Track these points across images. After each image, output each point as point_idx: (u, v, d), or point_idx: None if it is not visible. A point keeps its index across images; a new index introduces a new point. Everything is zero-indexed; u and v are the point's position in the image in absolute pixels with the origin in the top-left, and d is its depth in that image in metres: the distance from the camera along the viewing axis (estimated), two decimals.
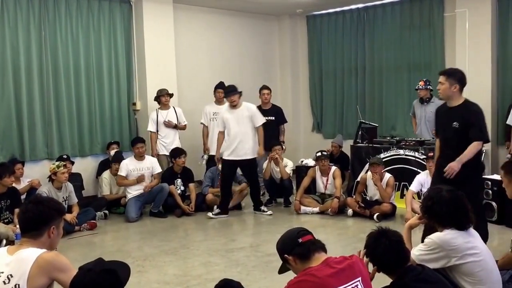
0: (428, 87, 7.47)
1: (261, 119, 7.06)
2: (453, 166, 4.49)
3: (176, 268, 5.01)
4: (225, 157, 7.02)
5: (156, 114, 7.79)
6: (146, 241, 6.05)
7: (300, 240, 2.52)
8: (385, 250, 2.67)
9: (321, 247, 2.54)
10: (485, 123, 4.62)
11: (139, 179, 7.12)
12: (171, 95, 7.85)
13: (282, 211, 7.46)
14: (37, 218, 2.59)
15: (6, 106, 7.07)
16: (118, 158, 7.52)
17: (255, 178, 7.28)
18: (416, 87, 7.63)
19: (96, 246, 6.03)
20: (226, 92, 7.01)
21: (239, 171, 7.96)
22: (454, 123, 4.54)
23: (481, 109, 4.63)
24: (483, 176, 6.64)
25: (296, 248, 2.51)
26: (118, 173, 7.20)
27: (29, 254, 2.51)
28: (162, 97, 7.77)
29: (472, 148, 4.49)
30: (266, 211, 7.20)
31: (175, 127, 7.85)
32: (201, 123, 8.14)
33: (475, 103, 4.64)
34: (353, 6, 9.67)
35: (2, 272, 2.48)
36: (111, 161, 7.60)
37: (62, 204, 2.97)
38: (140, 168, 7.23)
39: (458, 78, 4.54)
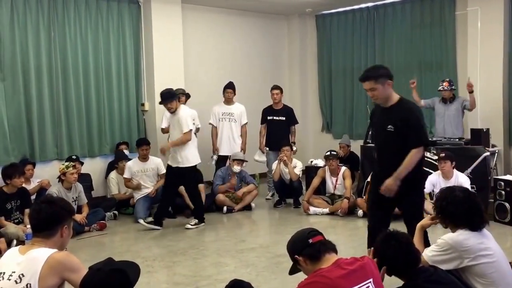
0: (452, 87, 7.35)
1: (186, 126, 6.35)
2: (389, 185, 3.85)
3: (186, 269, 5.00)
4: (168, 162, 6.64)
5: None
6: (155, 241, 6.05)
7: (310, 241, 2.50)
8: (395, 252, 2.66)
9: (331, 248, 2.51)
10: (423, 124, 3.95)
11: (137, 187, 7.13)
12: (187, 95, 7.85)
13: (292, 212, 7.43)
14: (50, 218, 2.61)
15: (16, 107, 7.09)
16: (121, 156, 7.55)
17: (190, 191, 6.79)
18: (440, 88, 7.38)
19: (105, 246, 6.04)
20: (163, 100, 6.38)
21: (248, 171, 7.98)
22: (389, 126, 3.91)
23: (418, 108, 4.06)
24: (497, 177, 6.60)
25: (307, 248, 2.49)
26: (124, 176, 7.21)
27: (40, 254, 2.52)
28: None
29: (410, 158, 3.80)
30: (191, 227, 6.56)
31: None
32: (210, 124, 8.13)
33: (411, 101, 4.11)
34: (363, 5, 9.61)
35: (14, 272, 2.50)
36: (114, 161, 7.61)
37: (72, 204, 3.01)
38: (145, 169, 7.23)
39: (385, 73, 3.99)
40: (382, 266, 2.67)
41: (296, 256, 2.54)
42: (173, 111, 6.42)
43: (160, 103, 6.47)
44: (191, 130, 6.43)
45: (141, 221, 6.58)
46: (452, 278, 2.76)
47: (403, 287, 2.64)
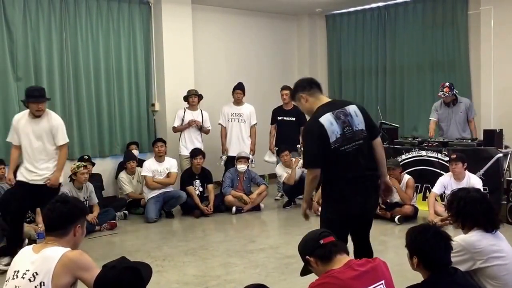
0: (454, 91, 7.10)
1: (62, 139, 5.23)
2: (302, 209, 3.80)
3: (196, 269, 5.00)
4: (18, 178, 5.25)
5: (183, 112, 7.82)
6: (165, 241, 6.06)
7: (321, 242, 2.49)
8: (434, 246, 2.60)
9: (343, 249, 2.49)
10: (309, 143, 3.53)
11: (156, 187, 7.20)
12: (199, 97, 7.86)
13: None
14: (64, 217, 2.64)
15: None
16: (130, 156, 7.59)
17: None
18: (441, 95, 7.14)
19: (116, 246, 6.06)
20: (34, 97, 5.12)
21: (257, 171, 7.98)
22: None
23: (309, 127, 3.56)
24: (509, 178, 6.50)
25: (318, 249, 2.48)
26: (145, 174, 7.25)
27: (54, 253, 2.54)
28: (190, 97, 7.80)
29: (307, 182, 3.55)
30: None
31: (200, 128, 7.85)
32: (219, 124, 8.13)
33: (308, 119, 3.62)
34: (373, 5, 9.57)
35: (28, 270, 2.51)
36: (124, 161, 7.64)
37: (85, 204, 3.04)
38: (161, 170, 7.28)
39: (302, 86, 3.69)
40: (413, 256, 2.63)
41: (307, 256, 2.52)
42: (40, 115, 5.16)
43: (26, 105, 5.23)
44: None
45: None
46: (471, 282, 2.73)
47: (424, 284, 2.61)
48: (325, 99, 3.66)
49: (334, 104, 3.60)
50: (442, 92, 7.15)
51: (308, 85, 3.66)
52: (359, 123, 3.51)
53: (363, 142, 3.51)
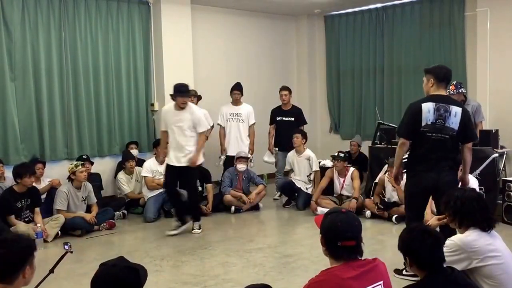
0: (460, 90, 6.75)
1: (203, 127, 6.27)
2: (393, 173, 4.70)
3: (194, 268, 5.02)
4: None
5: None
6: (164, 240, 6.08)
7: (339, 244, 2.37)
8: (425, 246, 2.59)
9: (358, 254, 2.42)
10: (406, 117, 4.39)
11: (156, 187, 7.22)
12: (198, 97, 7.88)
13: (300, 213, 7.43)
14: (10, 264, 2.36)
15: (27, 107, 7.16)
16: (128, 156, 7.59)
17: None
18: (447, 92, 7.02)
19: (114, 245, 6.08)
20: (177, 93, 6.10)
21: (256, 171, 7.99)
22: None
23: (413, 106, 4.40)
24: (505, 178, 6.55)
25: (332, 247, 2.39)
26: (145, 175, 7.26)
27: None
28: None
29: (398, 147, 4.53)
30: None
31: None
32: (218, 124, 8.15)
33: (418, 99, 4.47)
34: (371, 6, 9.60)
35: None
36: (123, 161, 7.65)
37: (30, 238, 2.76)
38: (161, 171, 7.28)
39: (438, 74, 4.36)
40: (406, 257, 2.65)
41: (322, 235, 2.43)
42: (184, 107, 6.14)
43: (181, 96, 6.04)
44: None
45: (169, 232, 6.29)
46: (470, 281, 2.74)
47: (420, 283, 2.63)
48: (442, 91, 4.34)
49: (443, 98, 4.30)
50: (448, 90, 6.94)
51: (442, 77, 4.32)
52: (454, 122, 4.22)
53: (449, 138, 4.23)
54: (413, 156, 4.40)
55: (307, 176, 7.78)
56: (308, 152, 7.84)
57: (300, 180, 7.76)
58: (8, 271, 2.35)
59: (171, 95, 6.23)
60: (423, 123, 4.21)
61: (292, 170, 7.98)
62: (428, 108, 4.21)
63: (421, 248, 2.59)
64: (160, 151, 6.98)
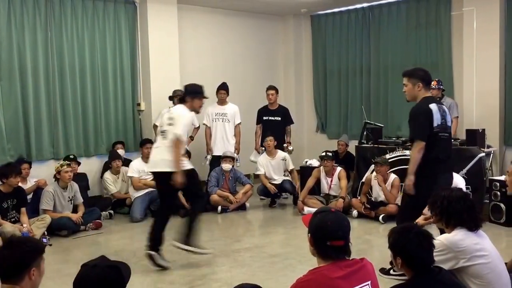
0: (440, 87, 7.27)
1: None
2: (408, 180, 4.43)
3: (181, 268, 5.00)
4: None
5: (168, 111, 7.77)
6: None
7: (328, 243, 2.36)
8: (417, 246, 2.58)
9: (346, 254, 2.41)
10: (420, 120, 4.41)
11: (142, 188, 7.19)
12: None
13: (287, 212, 7.44)
14: (15, 265, 2.44)
15: (13, 107, 7.09)
16: (115, 156, 7.55)
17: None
18: None
19: (101, 245, 6.04)
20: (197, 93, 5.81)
21: (242, 171, 7.98)
22: None
23: (421, 109, 4.44)
24: (492, 178, 6.62)
25: (321, 246, 2.39)
26: (131, 175, 7.23)
27: None
28: (175, 97, 7.76)
29: (414, 152, 4.43)
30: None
31: None
32: (204, 124, 8.12)
33: (420, 103, 4.46)
34: (358, 6, 9.63)
35: None
36: (109, 160, 7.60)
37: (40, 242, 2.81)
38: (147, 171, 7.23)
39: (425, 79, 4.50)
40: (397, 257, 2.63)
41: (310, 235, 2.42)
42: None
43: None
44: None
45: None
46: (456, 281, 2.75)
47: (408, 283, 2.63)
48: (428, 93, 4.54)
49: (434, 99, 4.65)
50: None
51: (428, 80, 4.53)
52: (449, 120, 4.50)
53: (449, 136, 4.54)
54: (429, 158, 4.33)
55: (283, 174, 7.95)
56: (280, 154, 7.91)
57: (277, 180, 7.86)
58: (12, 271, 2.44)
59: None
60: (435, 124, 4.34)
61: (264, 174, 7.91)
62: (435, 109, 4.36)
63: (416, 250, 2.58)
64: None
